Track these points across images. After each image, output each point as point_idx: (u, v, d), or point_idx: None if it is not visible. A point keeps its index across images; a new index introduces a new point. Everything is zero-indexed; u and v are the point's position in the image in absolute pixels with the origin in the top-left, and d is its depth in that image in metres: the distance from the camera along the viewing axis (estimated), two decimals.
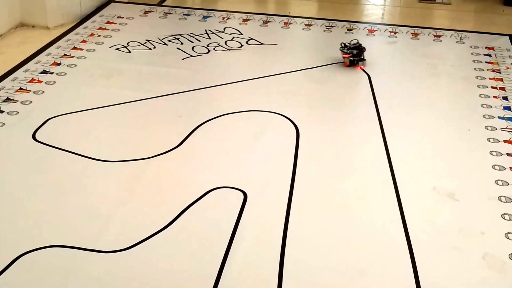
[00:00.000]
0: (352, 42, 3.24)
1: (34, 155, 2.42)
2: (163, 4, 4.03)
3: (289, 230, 2.02)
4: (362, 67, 3.14)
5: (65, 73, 3.06)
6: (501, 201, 2.18)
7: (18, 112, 2.70)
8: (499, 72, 3.12)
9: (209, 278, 1.82)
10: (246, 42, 3.46)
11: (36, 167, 2.35)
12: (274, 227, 2.04)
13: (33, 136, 2.53)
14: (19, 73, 3.04)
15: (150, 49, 3.35)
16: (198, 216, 2.10)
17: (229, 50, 3.37)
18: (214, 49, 3.37)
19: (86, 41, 3.43)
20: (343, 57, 3.16)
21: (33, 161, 2.39)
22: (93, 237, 1.99)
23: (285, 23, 3.73)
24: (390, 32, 3.63)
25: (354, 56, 3.15)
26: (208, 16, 3.81)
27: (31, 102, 2.78)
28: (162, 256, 1.92)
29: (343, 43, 3.24)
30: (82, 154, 2.42)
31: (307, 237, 2.01)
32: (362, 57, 3.16)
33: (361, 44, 3.21)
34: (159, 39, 3.47)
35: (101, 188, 2.25)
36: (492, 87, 2.97)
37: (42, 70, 3.08)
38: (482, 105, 2.81)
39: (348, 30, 3.65)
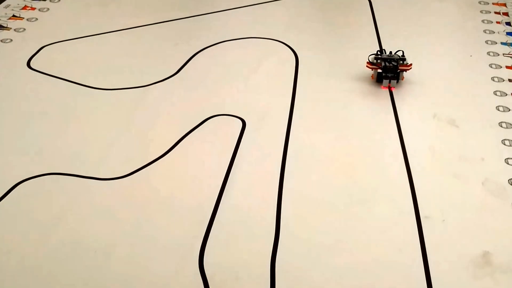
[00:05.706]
0: (396, 53, 2.40)
1: (29, 83, 2.39)
2: None
3: (287, 158, 2.02)
4: (392, 87, 2.35)
5: (59, 0, 2.99)
6: (501, 127, 2.16)
7: (12, 40, 2.65)
8: None
9: (208, 204, 1.83)
10: None
11: (32, 96, 2.33)
12: (273, 155, 2.04)
13: (28, 64, 2.49)
14: (11, 0, 2.97)
15: None
16: (197, 144, 2.09)
17: None
18: None
19: None
20: (367, 66, 2.40)
21: (29, 90, 2.36)
22: (92, 165, 1.98)
23: None
24: None
25: (384, 70, 2.33)
26: None
27: (24, 29, 2.73)
28: (160, 183, 1.92)
29: (380, 50, 2.44)
30: (78, 82, 2.39)
31: (306, 164, 2.01)
32: (397, 73, 2.34)
33: (403, 59, 2.36)
34: None
35: (99, 116, 2.23)
36: (495, 12, 2.91)
37: None
38: (484, 31, 2.76)
39: None
